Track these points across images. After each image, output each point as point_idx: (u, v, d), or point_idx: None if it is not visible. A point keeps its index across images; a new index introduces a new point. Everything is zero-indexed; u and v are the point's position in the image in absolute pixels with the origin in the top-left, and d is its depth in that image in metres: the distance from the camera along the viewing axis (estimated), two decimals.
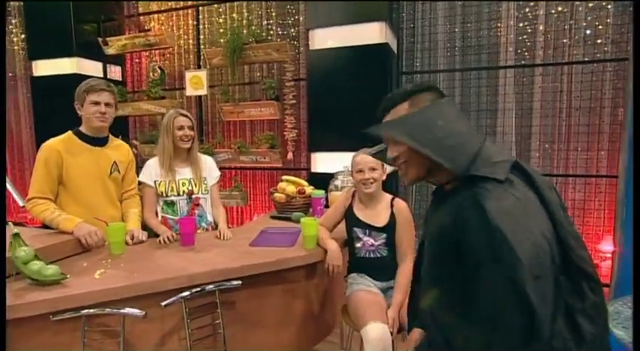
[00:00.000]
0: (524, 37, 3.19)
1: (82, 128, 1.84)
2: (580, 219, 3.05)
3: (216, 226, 2.04)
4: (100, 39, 3.89)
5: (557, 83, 3.09)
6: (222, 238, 1.84)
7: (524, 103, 3.20)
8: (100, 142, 1.86)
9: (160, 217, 1.98)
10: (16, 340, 1.25)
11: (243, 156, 3.55)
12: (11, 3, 4.73)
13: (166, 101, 3.79)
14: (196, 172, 2.00)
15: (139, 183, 2.01)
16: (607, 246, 2.89)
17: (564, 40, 3.09)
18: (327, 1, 3.04)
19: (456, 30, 3.35)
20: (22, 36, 4.59)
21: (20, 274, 1.34)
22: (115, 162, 1.89)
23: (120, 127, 4.14)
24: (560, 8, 3.07)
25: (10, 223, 1.35)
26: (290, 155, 3.49)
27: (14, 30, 4.78)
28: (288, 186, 2.28)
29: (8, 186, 2.60)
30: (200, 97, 3.76)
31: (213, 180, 2.07)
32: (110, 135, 1.93)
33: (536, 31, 3.14)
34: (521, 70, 3.20)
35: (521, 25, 3.18)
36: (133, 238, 1.78)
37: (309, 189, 2.30)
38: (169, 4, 4.21)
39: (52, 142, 1.77)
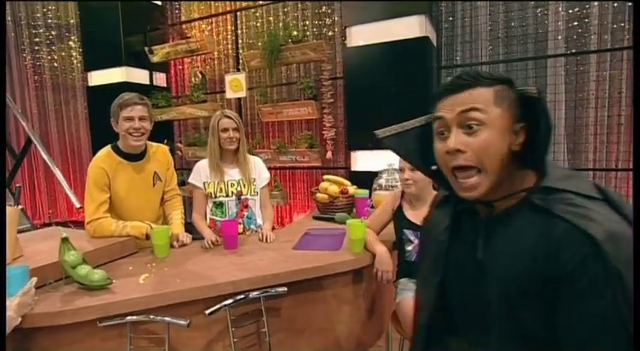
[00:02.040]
0: (575, 23, 2.86)
1: (120, 144, 1.75)
2: None
3: None
4: (146, 48, 3.94)
5: (617, 71, 2.74)
6: (264, 240, 1.73)
7: (577, 94, 2.87)
8: (138, 157, 1.77)
9: (208, 220, 1.90)
10: (65, 345, 1.20)
11: (283, 156, 3.46)
12: (70, 21, 4.93)
13: (208, 104, 3.77)
14: (245, 173, 1.89)
15: (189, 184, 1.94)
16: None
17: (622, 24, 2.74)
18: None
19: (499, 20, 3.07)
20: (80, 50, 4.76)
21: (69, 277, 1.29)
22: (155, 173, 1.82)
23: (165, 131, 4.18)
24: None
25: (59, 227, 1.30)
26: (329, 154, 3.35)
27: (73, 45, 4.98)
28: (331, 186, 2.13)
29: (66, 189, 2.64)
30: (240, 99, 3.70)
31: (263, 181, 1.96)
32: (147, 143, 1.82)
33: (590, 15, 2.81)
34: (573, 58, 2.88)
35: (570, 11, 2.86)
36: (177, 241, 1.71)
37: (352, 188, 2.15)
38: (210, 9, 4.20)
39: (96, 161, 1.70)
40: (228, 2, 4.21)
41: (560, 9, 2.88)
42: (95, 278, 1.25)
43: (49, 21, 5.03)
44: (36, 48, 5.04)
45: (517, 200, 0.68)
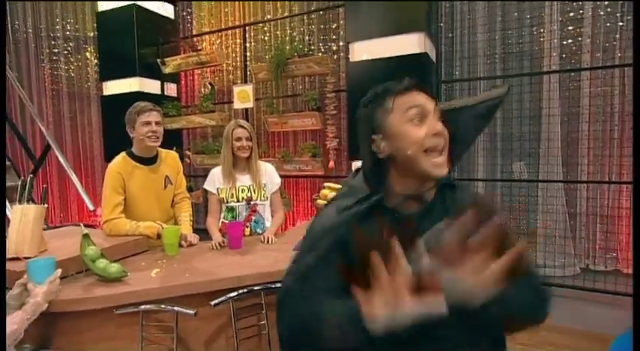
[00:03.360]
0: (569, 41, 2.99)
1: (134, 149, 1.91)
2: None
3: None
4: (158, 60, 4.13)
5: (608, 87, 2.86)
6: (265, 242, 1.85)
7: (570, 109, 2.98)
8: (151, 161, 1.94)
9: (220, 224, 2.03)
10: (85, 330, 1.32)
11: (287, 164, 3.59)
12: (88, 33, 5.17)
13: (216, 114, 3.93)
14: (255, 179, 2.03)
15: (205, 191, 2.09)
16: None
17: (614, 43, 2.86)
18: (366, 13, 3.03)
19: (496, 37, 3.21)
20: (95, 61, 4.98)
21: (89, 270, 1.42)
22: (166, 176, 1.97)
23: (175, 139, 4.34)
24: (608, 9, 2.86)
25: (81, 224, 1.44)
26: (331, 164, 3.48)
27: (89, 56, 5.21)
28: (330, 192, 2.26)
29: (81, 192, 2.80)
30: (247, 109, 3.86)
31: (274, 187, 2.10)
32: (158, 149, 1.99)
33: (582, 34, 2.93)
34: (567, 74, 3.00)
35: (565, 30, 2.99)
36: (186, 241, 1.84)
37: None
38: (220, 23, 4.40)
39: (113, 165, 1.87)
40: (237, 17, 4.42)
41: (554, 27, 3.01)
42: (112, 271, 1.38)
43: (68, 33, 5.27)
44: (54, 58, 5.27)
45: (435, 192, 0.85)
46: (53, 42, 5.27)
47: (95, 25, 4.57)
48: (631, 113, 2.76)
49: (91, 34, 5.09)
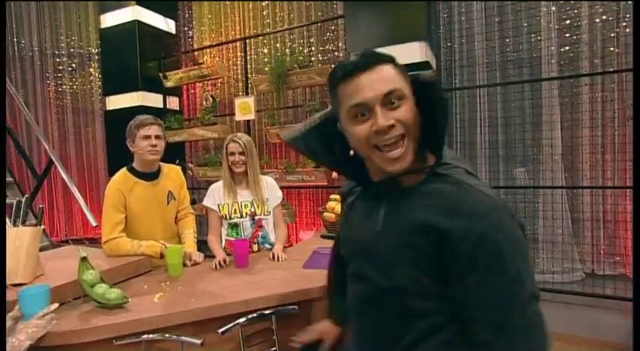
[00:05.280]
0: (567, 48, 2.90)
1: (135, 165, 1.79)
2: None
3: None
4: (160, 74, 4.02)
5: (608, 93, 2.76)
6: (275, 259, 1.71)
7: (571, 115, 2.88)
8: (152, 176, 1.80)
9: (224, 242, 1.89)
10: None
11: (290, 175, 3.46)
12: (92, 50, 5.07)
13: (218, 126, 3.81)
14: (257, 193, 1.89)
15: (203, 206, 1.95)
16: None
17: (611, 48, 2.77)
18: (366, 24, 2.93)
19: (495, 45, 3.11)
20: (99, 76, 4.87)
21: (87, 296, 1.28)
22: (169, 191, 1.84)
23: (177, 152, 4.21)
24: (604, 17, 2.77)
25: (78, 247, 1.30)
26: (334, 174, 3.35)
27: (93, 72, 5.10)
28: (338, 205, 2.13)
29: (84, 209, 2.66)
30: (248, 121, 3.74)
31: (276, 200, 1.96)
32: (160, 163, 1.87)
33: (580, 41, 2.84)
34: (567, 81, 2.90)
35: (562, 37, 2.90)
36: (190, 260, 1.70)
37: None
38: (221, 37, 4.31)
39: (113, 182, 1.74)
40: (238, 30, 4.32)
41: (552, 35, 2.92)
42: (112, 297, 1.24)
43: (72, 50, 5.17)
44: (58, 75, 5.17)
45: (420, 178, 0.73)
46: (58, 59, 5.16)
47: (99, 41, 4.47)
48: (631, 117, 2.66)
49: (95, 51, 5.00)
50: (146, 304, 1.28)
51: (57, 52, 5.16)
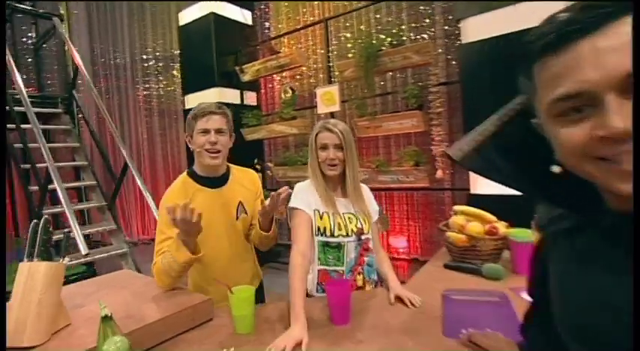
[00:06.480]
0: None
1: (196, 167, 1.31)
2: None
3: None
4: (237, 68, 3.68)
5: None
6: (408, 304, 1.08)
7: None
8: (218, 182, 1.30)
9: (316, 272, 1.24)
10: None
11: (382, 175, 2.80)
12: (174, 51, 5.02)
13: (298, 121, 3.32)
14: (359, 204, 1.27)
15: (291, 209, 1.26)
16: None
17: None
18: None
19: None
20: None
21: None
22: (240, 202, 1.32)
23: (256, 151, 3.85)
24: None
25: (99, 301, 0.82)
26: (439, 173, 2.62)
27: (176, 73, 5.06)
28: (471, 223, 1.42)
29: (155, 213, 2.36)
30: (332, 113, 3.18)
31: (375, 215, 1.33)
32: (230, 165, 1.37)
33: None
34: None
35: None
36: None
37: (502, 226, 1.40)
38: (299, 22, 3.82)
39: (170, 194, 1.26)
40: (317, 14, 3.80)
41: None
42: None
43: (158, 53, 5.20)
44: (146, 79, 5.24)
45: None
46: (145, 64, 5.24)
47: (179, 41, 4.34)
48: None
49: (177, 52, 4.94)
50: None
51: (145, 57, 5.23)
